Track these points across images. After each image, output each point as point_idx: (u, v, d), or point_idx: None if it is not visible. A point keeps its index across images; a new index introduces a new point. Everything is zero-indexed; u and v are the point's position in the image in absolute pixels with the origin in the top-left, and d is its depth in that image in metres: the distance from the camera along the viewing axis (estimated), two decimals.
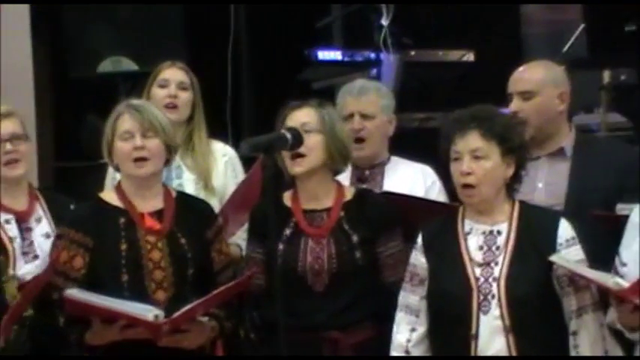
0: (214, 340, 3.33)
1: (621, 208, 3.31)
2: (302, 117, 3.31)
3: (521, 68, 3.70)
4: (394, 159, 3.81)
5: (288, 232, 3.30)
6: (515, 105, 3.59)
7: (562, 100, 3.63)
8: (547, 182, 3.58)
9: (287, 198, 3.36)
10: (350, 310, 3.24)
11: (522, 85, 3.62)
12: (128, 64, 5.30)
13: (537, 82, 3.61)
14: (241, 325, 3.42)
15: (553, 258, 3.01)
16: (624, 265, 3.02)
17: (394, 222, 3.31)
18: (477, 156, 3.07)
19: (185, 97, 3.88)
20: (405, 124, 4.82)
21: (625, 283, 2.83)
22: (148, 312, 3.03)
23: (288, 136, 3.22)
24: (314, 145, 3.28)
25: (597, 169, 3.53)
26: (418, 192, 3.68)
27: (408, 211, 3.34)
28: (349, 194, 3.35)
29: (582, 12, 5.51)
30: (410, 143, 3.88)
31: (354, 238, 3.27)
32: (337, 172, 3.40)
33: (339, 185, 3.38)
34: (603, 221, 3.30)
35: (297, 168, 3.28)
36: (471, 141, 3.08)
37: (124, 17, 5.34)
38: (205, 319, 3.20)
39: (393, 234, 3.29)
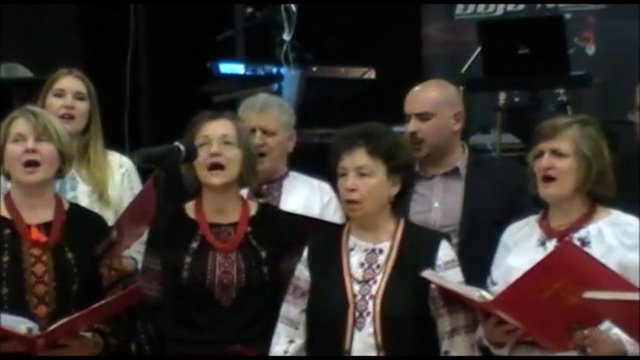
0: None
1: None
2: (220, 129, 3.30)
3: (416, 88, 3.76)
4: (292, 174, 3.82)
5: (194, 245, 3.28)
6: (413, 126, 3.65)
7: (457, 119, 3.71)
8: (442, 202, 3.64)
9: (190, 210, 3.33)
10: (254, 324, 3.24)
11: (419, 107, 3.68)
12: (23, 72, 5.19)
13: (433, 103, 3.68)
14: (134, 339, 3.37)
15: (424, 273, 3.06)
16: (495, 284, 3.10)
17: (297, 238, 3.32)
18: (362, 173, 3.11)
19: (82, 107, 3.81)
20: (306, 139, 4.84)
21: (489, 297, 2.89)
22: (20, 325, 2.97)
23: (182, 148, 3.20)
24: (233, 157, 3.28)
25: (490, 189, 3.61)
26: (314, 208, 3.70)
27: (300, 228, 3.35)
28: (253, 209, 3.35)
29: (478, 34, 5.63)
30: (310, 159, 3.89)
31: (263, 253, 3.28)
32: (243, 186, 3.38)
33: (244, 200, 3.38)
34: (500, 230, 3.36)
35: (215, 179, 3.27)
36: (357, 158, 3.11)
37: (18, 22, 5.23)
38: (89, 334, 3.15)
39: (295, 250, 3.30)
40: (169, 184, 3.24)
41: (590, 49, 7.49)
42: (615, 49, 7.23)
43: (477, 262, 3.31)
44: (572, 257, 2.79)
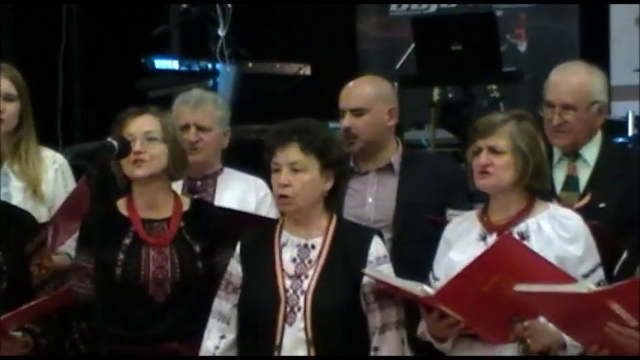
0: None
1: (451, 214, 3.44)
2: (144, 125, 3.29)
3: (351, 84, 3.79)
4: (227, 170, 3.82)
5: (127, 241, 3.26)
6: (347, 121, 3.68)
7: (391, 115, 3.74)
8: (376, 197, 3.67)
9: (122, 206, 3.32)
10: (190, 320, 3.23)
11: (354, 102, 3.71)
12: None
13: (368, 99, 3.71)
14: (67, 338, 3.34)
15: (365, 270, 3.08)
16: (437, 279, 3.13)
17: (231, 233, 3.31)
18: (295, 169, 3.11)
19: (11, 109, 3.72)
20: (242, 135, 4.83)
21: (431, 291, 2.93)
22: None
23: (115, 144, 3.18)
24: (158, 154, 3.26)
25: (423, 184, 3.65)
26: (250, 204, 3.70)
27: (234, 223, 3.35)
28: (186, 204, 3.34)
29: (412, 31, 5.67)
30: (245, 155, 3.89)
31: (197, 248, 3.27)
32: (172, 181, 3.38)
33: (177, 195, 3.37)
34: (435, 225, 3.41)
35: (138, 171, 3.26)
36: (291, 154, 3.12)
37: None
38: (19, 333, 3.11)
39: (229, 244, 3.28)
40: (106, 181, 3.22)
41: (522, 46, 7.61)
42: (546, 46, 7.35)
43: (410, 257, 3.35)
44: (511, 250, 2.82)
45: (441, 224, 3.28)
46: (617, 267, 2.99)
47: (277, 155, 3.14)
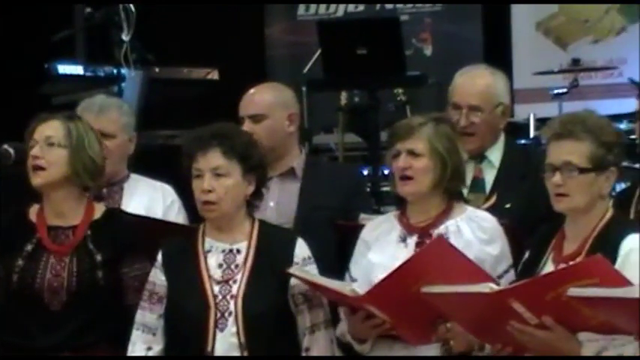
0: None
1: (363, 218, 3.47)
2: (47, 130, 3.24)
3: (251, 91, 3.78)
4: (134, 177, 3.78)
5: (29, 247, 3.21)
6: (246, 128, 3.67)
7: (291, 121, 3.75)
8: (278, 201, 3.67)
9: (33, 212, 3.27)
10: (86, 331, 3.18)
11: (252, 109, 3.71)
12: None
13: (266, 105, 3.70)
14: None
15: (291, 270, 3.09)
16: (354, 280, 3.14)
17: (141, 243, 3.28)
18: (218, 174, 3.10)
19: None
20: (149, 141, 4.79)
21: (360, 291, 2.94)
22: None
23: (11, 151, 3.12)
24: (55, 159, 3.21)
25: (325, 189, 3.66)
26: (157, 211, 3.67)
27: (150, 233, 3.32)
28: (99, 213, 3.30)
29: (318, 35, 5.71)
30: (153, 161, 3.86)
31: (98, 257, 3.22)
32: (86, 189, 3.32)
33: (90, 203, 3.32)
34: (344, 231, 3.43)
35: (36, 179, 3.21)
36: (212, 159, 3.11)
37: None
38: None
39: (138, 255, 3.26)
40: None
41: (428, 50, 7.73)
42: (451, 50, 7.48)
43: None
44: (443, 253, 2.84)
45: (355, 229, 3.30)
46: (520, 266, 3.05)
47: (198, 161, 3.11)
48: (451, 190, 3.15)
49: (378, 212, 3.86)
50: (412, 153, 3.10)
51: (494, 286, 2.64)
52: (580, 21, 7.33)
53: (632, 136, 3.32)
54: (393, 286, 2.84)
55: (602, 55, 7.14)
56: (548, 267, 2.91)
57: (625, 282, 2.47)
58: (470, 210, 3.17)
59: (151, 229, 3.35)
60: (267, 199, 3.64)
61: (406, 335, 2.96)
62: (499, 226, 3.13)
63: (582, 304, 2.45)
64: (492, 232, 3.11)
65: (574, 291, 2.40)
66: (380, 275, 2.96)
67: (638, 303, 2.26)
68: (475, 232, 3.10)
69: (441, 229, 3.11)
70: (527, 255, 3.03)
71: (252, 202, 3.20)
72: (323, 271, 3.18)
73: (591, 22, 7.32)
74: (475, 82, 3.66)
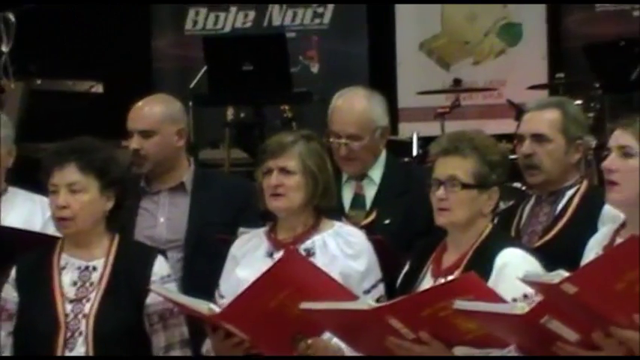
0: None
1: (242, 232, 3.46)
2: None
3: (139, 104, 3.75)
4: (12, 190, 3.69)
5: None
6: (135, 143, 3.65)
7: (180, 136, 3.73)
8: (168, 217, 3.65)
9: None
10: None
11: (141, 124, 3.68)
12: None
13: (156, 121, 3.68)
14: None
15: (152, 287, 3.05)
16: (222, 297, 3.13)
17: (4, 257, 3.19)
18: (73, 189, 3.05)
19: None
20: (31, 154, 4.69)
21: (217, 309, 2.91)
22: None
23: None
24: None
25: (216, 203, 3.65)
26: (36, 224, 3.59)
27: (19, 245, 3.25)
28: None
29: (204, 50, 5.71)
30: (34, 174, 3.79)
31: None
32: None
33: None
34: (225, 243, 3.41)
35: None
36: (68, 174, 3.05)
37: None
38: None
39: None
40: None
41: (315, 67, 7.81)
42: (338, 68, 7.58)
43: (202, 276, 3.35)
44: (296, 267, 2.85)
45: (229, 242, 3.31)
46: (400, 279, 3.11)
47: (54, 176, 3.06)
48: (321, 207, 3.17)
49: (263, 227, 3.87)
50: (284, 170, 3.11)
51: (372, 303, 2.68)
52: (461, 42, 7.53)
53: (512, 157, 3.41)
54: (248, 303, 2.82)
55: (483, 76, 7.33)
56: (427, 279, 2.97)
57: (497, 299, 2.54)
58: (338, 225, 3.19)
59: (15, 239, 3.27)
60: (157, 214, 3.63)
61: (267, 352, 2.93)
62: (367, 242, 3.16)
63: (465, 317, 2.50)
64: (359, 247, 3.14)
65: (460, 304, 2.46)
66: None
67: (520, 319, 2.33)
68: (341, 247, 3.13)
69: (307, 244, 3.12)
70: (407, 267, 3.09)
71: (113, 217, 3.14)
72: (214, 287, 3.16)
73: (472, 44, 7.52)
74: (353, 110, 3.68)
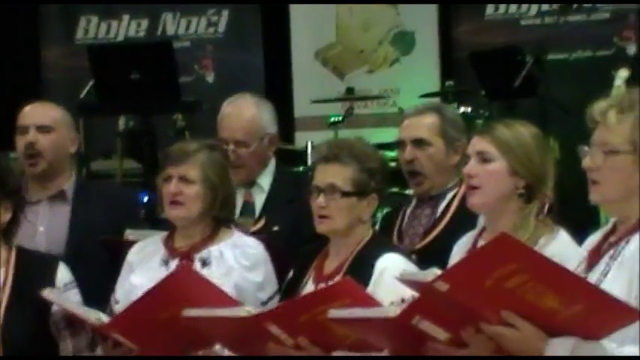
0: None
1: (129, 233, 3.43)
2: None
3: (35, 104, 3.69)
4: None
5: None
6: (31, 136, 3.57)
7: (74, 143, 3.68)
8: (48, 226, 3.58)
9: None
10: None
11: (41, 119, 3.60)
12: None
13: (56, 119, 3.63)
14: None
15: (45, 293, 3.02)
16: (117, 302, 3.12)
17: None
18: None
19: None
20: None
21: (106, 319, 2.91)
22: None
23: None
24: None
25: (98, 212, 3.59)
26: None
27: None
28: None
29: (89, 60, 5.64)
30: None
31: None
32: None
33: None
34: (111, 248, 3.40)
35: None
36: None
37: None
38: None
39: None
40: None
41: (210, 77, 7.78)
42: (233, 77, 7.56)
43: (84, 286, 3.30)
44: (189, 281, 2.83)
45: (119, 245, 3.26)
46: (283, 286, 3.11)
47: None
48: (220, 218, 3.16)
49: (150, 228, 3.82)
50: (184, 179, 3.10)
51: (251, 310, 2.68)
52: (356, 51, 7.58)
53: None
54: (138, 314, 2.81)
55: (377, 84, 7.40)
56: (309, 286, 2.98)
57: (373, 302, 2.56)
58: (237, 236, 3.18)
59: None
60: (36, 223, 3.55)
61: None
62: (264, 253, 3.16)
63: (340, 324, 2.52)
64: (256, 258, 3.14)
65: (334, 313, 2.47)
66: None
67: (392, 321, 2.35)
68: (238, 258, 3.12)
69: (203, 254, 3.11)
70: (291, 274, 3.10)
71: (9, 229, 3.10)
72: (99, 296, 3.14)
73: (366, 52, 7.59)
74: (241, 117, 3.71)
